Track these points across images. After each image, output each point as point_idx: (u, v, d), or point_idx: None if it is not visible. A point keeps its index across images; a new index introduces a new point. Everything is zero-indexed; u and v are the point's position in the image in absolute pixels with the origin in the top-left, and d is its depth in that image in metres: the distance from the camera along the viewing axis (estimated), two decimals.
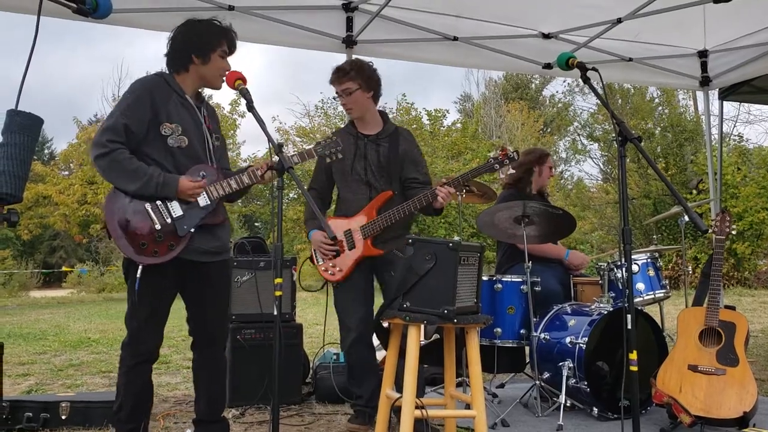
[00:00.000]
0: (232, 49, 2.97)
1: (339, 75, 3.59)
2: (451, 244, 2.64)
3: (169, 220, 2.77)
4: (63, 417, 3.62)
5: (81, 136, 21.78)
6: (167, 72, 2.95)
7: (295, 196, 21.16)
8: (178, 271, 2.83)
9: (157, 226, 2.74)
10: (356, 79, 3.57)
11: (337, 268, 3.56)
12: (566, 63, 2.87)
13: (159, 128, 2.80)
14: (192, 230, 2.79)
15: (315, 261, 3.66)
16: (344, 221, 3.58)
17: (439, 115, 23.51)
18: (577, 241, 19.50)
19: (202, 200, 2.83)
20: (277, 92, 46.83)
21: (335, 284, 3.61)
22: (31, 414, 3.58)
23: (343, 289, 3.60)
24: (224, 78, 2.90)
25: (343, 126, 3.87)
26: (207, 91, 3.22)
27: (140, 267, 2.74)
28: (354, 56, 5.30)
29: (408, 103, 23.79)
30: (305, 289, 4.03)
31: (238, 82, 2.84)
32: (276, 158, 2.70)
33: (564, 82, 30.48)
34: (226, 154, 3.17)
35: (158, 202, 2.77)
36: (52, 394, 4.50)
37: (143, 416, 2.90)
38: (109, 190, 2.81)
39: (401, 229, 3.60)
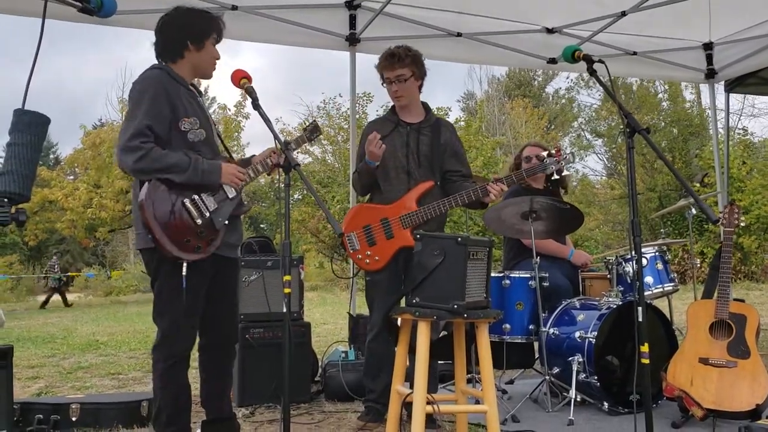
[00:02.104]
0: (220, 38, 2.96)
1: (393, 61, 3.50)
2: (459, 239, 2.62)
3: (207, 215, 2.75)
4: (73, 419, 3.62)
5: (86, 141, 21.81)
6: (162, 63, 2.88)
7: (300, 197, 21.17)
8: (210, 268, 2.82)
9: (199, 221, 2.72)
10: (411, 66, 3.52)
11: (375, 257, 3.42)
12: (572, 56, 2.86)
13: (179, 124, 2.77)
14: (226, 222, 2.79)
15: (348, 247, 3.48)
16: (380, 209, 3.48)
17: (442, 113, 23.48)
18: (582, 238, 19.46)
19: (230, 192, 2.83)
20: (280, 94, 46.93)
21: (367, 276, 3.53)
22: (41, 416, 3.58)
23: (374, 283, 3.54)
24: (215, 67, 2.90)
25: (379, 116, 3.82)
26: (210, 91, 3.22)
27: (185, 264, 2.69)
28: (357, 54, 5.33)
29: None
30: (338, 276, 3.96)
31: (243, 80, 2.84)
32: (281, 156, 2.70)
33: (567, 78, 30.44)
34: None
35: (195, 197, 2.74)
36: (61, 396, 4.51)
37: (184, 418, 2.87)
38: (145, 187, 2.69)
39: (438, 223, 3.55)
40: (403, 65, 3.50)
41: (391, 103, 3.73)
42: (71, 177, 24.16)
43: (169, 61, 2.87)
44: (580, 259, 4.51)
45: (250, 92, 2.80)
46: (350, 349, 4.56)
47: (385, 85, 3.60)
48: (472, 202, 3.42)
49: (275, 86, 47.34)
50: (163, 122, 2.72)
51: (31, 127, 1.92)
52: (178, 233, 2.68)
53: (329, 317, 10.49)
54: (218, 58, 2.94)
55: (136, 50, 49.74)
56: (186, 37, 2.85)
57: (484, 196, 3.40)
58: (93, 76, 56.69)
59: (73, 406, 3.63)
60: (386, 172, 3.53)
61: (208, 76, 2.97)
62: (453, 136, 3.68)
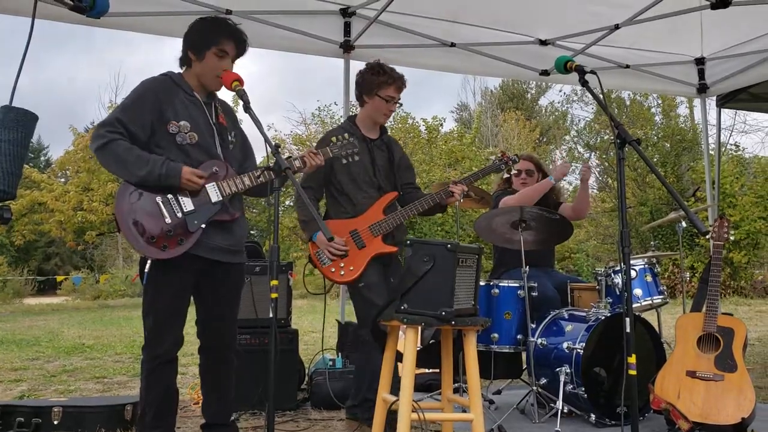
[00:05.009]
0: (236, 51, 2.95)
1: (404, 85, 3.69)
2: (449, 246, 2.62)
3: (179, 215, 2.73)
4: (55, 422, 3.57)
5: (77, 143, 21.70)
6: (177, 71, 2.96)
7: (292, 203, 21.11)
8: (194, 269, 2.81)
9: (168, 221, 2.71)
10: None
11: (350, 267, 3.46)
12: (564, 66, 2.88)
13: (166, 127, 2.79)
14: (203, 226, 2.76)
15: (319, 263, 3.50)
16: (348, 222, 3.55)
17: (437, 123, 23.52)
18: (571, 250, 19.50)
19: (214, 196, 2.81)
20: (274, 101, 46.91)
21: (355, 284, 3.49)
22: (22, 419, 3.54)
23: (366, 291, 3.49)
24: (220, 79, 2.88)
25: (338, 127, 3.85)
26: None
27: (149, 261, 2.72)
28: (351, 61, 5.32)
29: (405, 112, 23.79)
30: (311, 292, 3.91)
31: (235, 83, 2.84)
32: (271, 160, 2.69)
33: (560, 91, 30.60)
34: (248, 151, 3.13)
35: (169, 196, 2.74)
36: (44, 399, 4.46)
37: (168, 421, 2.86)
38: (119, 186, 2.79)
39: (403, 231, 3.66)
40: (402, 92, 3.70)
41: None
42: (62, 179, 24.00)
43: (182, 67, 2.96)
44: (560, 172, 4.42)
45: (242, 95, 2.80)
46: (338, 357, 4.53)
47: (379, 98, 3.65)
48: (435, 205, 3.61)
49: (269, 93, 47.38)
50: (139, 123, 2.76)
51: (18, 123, 1.91)
52: (145, 230, 2.69)
53: (318, 325, 10.41)
54: (223, 70, 2.87)
55: (132, 53, 49.69)
56: (187, 47, 2.92)
57: (448, 197, 3.60)
58: (86, 79, 56.62)
59: (56, 410, 3.58)
60: (359, 186, 3.60)
61: (211, 88, 2.96)
62: (403, 152, 3.89)
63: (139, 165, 2.69)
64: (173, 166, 2.74)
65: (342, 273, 3.47)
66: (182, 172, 2.73)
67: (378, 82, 3.63)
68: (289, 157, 2.95)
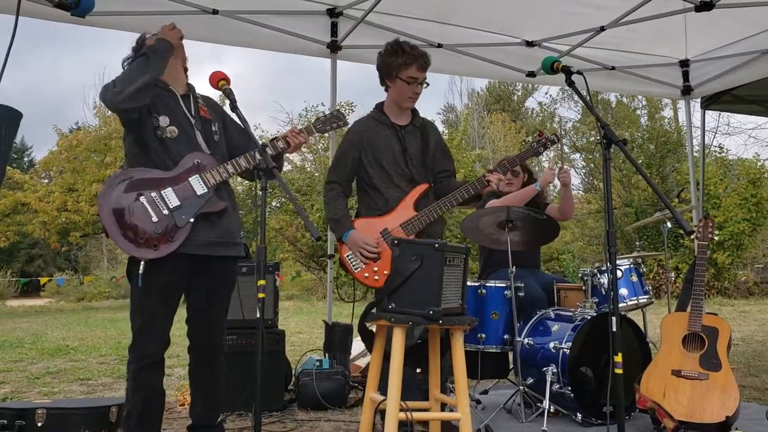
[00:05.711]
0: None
1: (426, 63, 3.38)
2: (436, 245, 2.61)
3: (166, 212, 2.71)
4: (39, 424, 3.54)
5: (61, 144, 21.50)
6: None
7: (278, 204, 21.05)
8: (183, 268, 2.78)
9: (155, 219, 2.68)
10: None
11: (384, 271, 3.20)
12: (551, 67, 2.90)
13: (150, 122, 2.78)
14: (191, 220, 2.74)
15: (351, 267, 3.30)
16: (378, 221, 3.34)
17: None
18: (558, 251, 19.60)
19: (199, 188, 2.78)
20: (261, 101, 46.78)
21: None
22: (5, 421, 3.50)
23: None
24: (177, 69, 2.91)
25: (366, 116, 3.57)
26: None
27: (142, 263, 2.67)
28: (338, 61, 5.32)
29: None
30: (345, 300, 3.81)
31: (221, 82, 2.84)
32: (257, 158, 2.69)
33: (546, 93, 30.72)
34: (249, 134, 2.93)
35: (153, 195, 2.71)
36: (27, 401, 4.41)
37: (154, 423, 2.83)
38: (105, 182, 2.75)
39: (441, 225, 3.45)
40: (426, 70, 3.43)
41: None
42: (45, 180, 23.77)
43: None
44: (546, 180, 4.45)
45: (228, 94, 2.80)
46: (325, 357, 4.52)
47: (400, 81, 3.38)
48: (471, 196, 3.37)
49: (256, 93, 47.25)
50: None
51: (1, 121, 1.88)
52: (133, 231, 2.66)
53: (305, 326, 10.41)
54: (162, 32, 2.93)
55: (117, 53, 49.28)
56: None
57: (484, 188, 3.38)
58: (70, 79, 56.16)
59: (39, 411, 3.55)
60: (390, 179, 3.39)
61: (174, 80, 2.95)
62: (439, 136, 3.64)
63: (141, 63, 2.74)
64: (157, 41, 2.83)
65: (376, 278, 3.25)
66: (162, 32, 2.86)
67: (397, 64, 3.35)
68: (274, 138, 2.94)
